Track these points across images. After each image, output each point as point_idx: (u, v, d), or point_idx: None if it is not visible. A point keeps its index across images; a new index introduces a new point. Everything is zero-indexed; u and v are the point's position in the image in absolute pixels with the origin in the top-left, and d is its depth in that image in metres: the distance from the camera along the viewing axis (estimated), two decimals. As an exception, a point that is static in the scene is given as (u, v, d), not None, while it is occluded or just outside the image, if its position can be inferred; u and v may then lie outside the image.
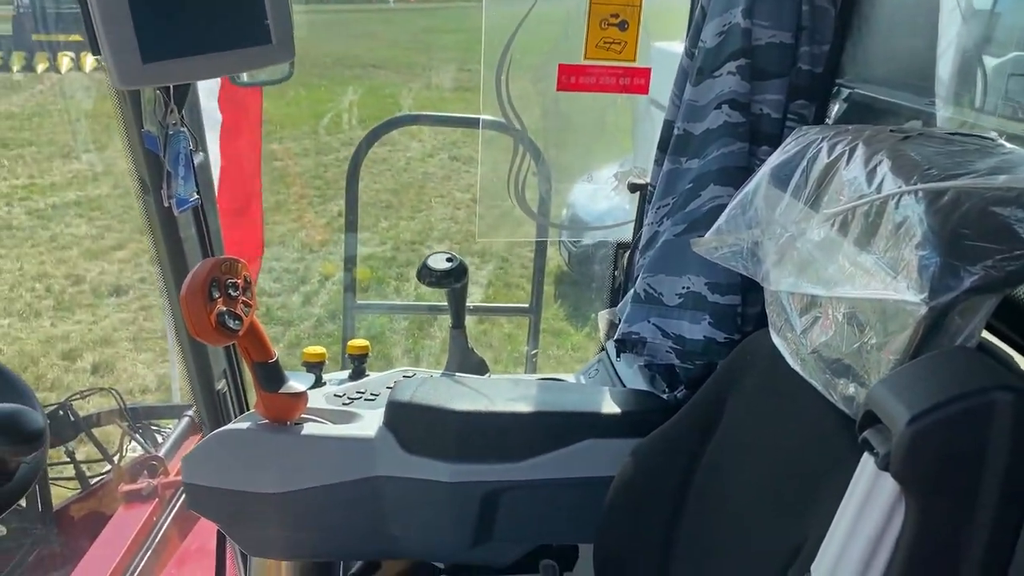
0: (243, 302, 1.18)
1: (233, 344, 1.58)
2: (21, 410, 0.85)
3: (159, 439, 2.88)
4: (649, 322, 1.33)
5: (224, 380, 1.56)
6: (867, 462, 0.63)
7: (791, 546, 0.85)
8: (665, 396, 1.38)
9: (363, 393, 1.42)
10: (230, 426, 1.28)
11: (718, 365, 1.18)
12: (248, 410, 1.39)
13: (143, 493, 2.52)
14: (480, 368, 1.64)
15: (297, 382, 1.27)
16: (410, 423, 1.26)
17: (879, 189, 0.82)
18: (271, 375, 1.24)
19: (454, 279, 1.51)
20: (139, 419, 2.95)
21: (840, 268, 0.86)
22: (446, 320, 1.67)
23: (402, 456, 1.25)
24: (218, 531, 1.42)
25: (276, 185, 6.68)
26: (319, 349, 1.49)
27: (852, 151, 0.90)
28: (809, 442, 0.92)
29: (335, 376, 1.53)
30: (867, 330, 0.80)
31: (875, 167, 0.85)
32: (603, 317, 1.69)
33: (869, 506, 0.62)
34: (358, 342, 1.53)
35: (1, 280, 4.87)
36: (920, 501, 0.59)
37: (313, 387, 1.44)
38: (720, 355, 1.26)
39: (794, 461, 0.94)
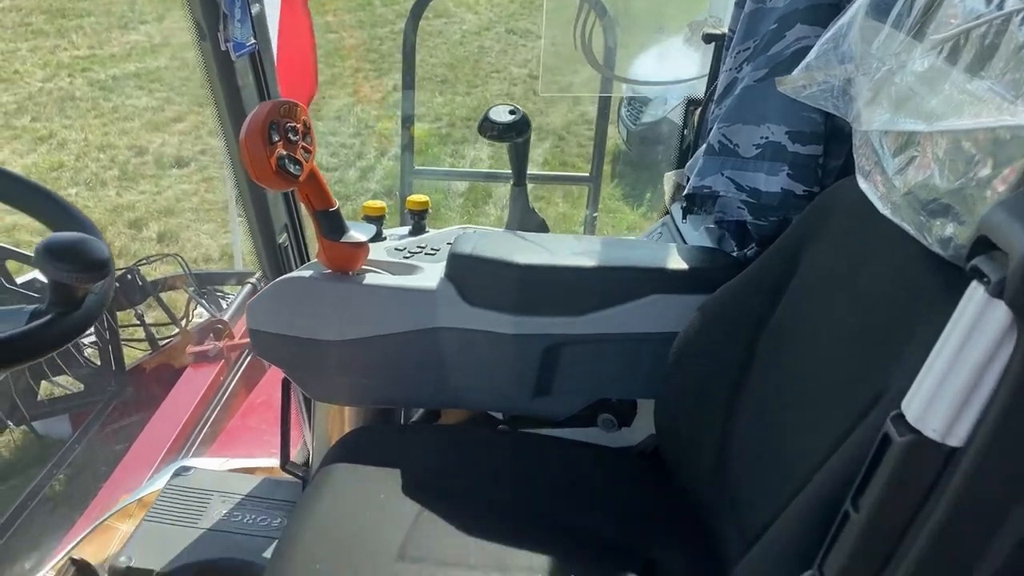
0: (303, 147, 1.15)
1: (294, 197, 1.57)
2: (86, 238, 0.84)
3: (223, 304, 2.95)
4: (723, 175, 1.26)
5: (285, 234, 1.56)
6: (975, 291, 0.58)
7: (870, 394, 0.81)
8: (735, 254, 1.33)
9: (423, 248, 1.40)
10: (293, 274, 1.28)
11: (794, 219, 1.12)
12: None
13: (210, 354, 2.62)
14: (540, 227, 1.60)
15: (358, 232, 1.26)
16: (471, 275, 1.24)
17: (1000, 6, 0.74)
18: (333, 224, 1.22)
19: (516, 133, 1.46)
20: (204, 285, 3.02)
21: (946, 99, 0.78)
22: (502, 194, 1.62)
23: (463, 308, 1.24)
24: (283, 379, 1.45)
25: (331, 58, 6.57)
26: (379, 203, 1.47)
27: (968, -31, 0.81)
28: (895, 290, 0.86)
29: (395, 232, 1.51)
30: (974, 164, 0.73)
31: (995, -16, 0.76)
32: (669, 179, 1.62)
33: (974, 338, 0.57)
34: (418, 197, 1.50)
35: (67, 150, 4.95)
36: (1033, 331, 0.54)
37: (373, 240, 1.42)
38: (797, 209, 1.19)
39: (877, 310, 0.89)
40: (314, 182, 1.19)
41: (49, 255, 0.81)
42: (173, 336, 2.79)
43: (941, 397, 0.58)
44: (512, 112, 1.45)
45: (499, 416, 1.41)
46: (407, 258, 1.37)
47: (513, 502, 1.13)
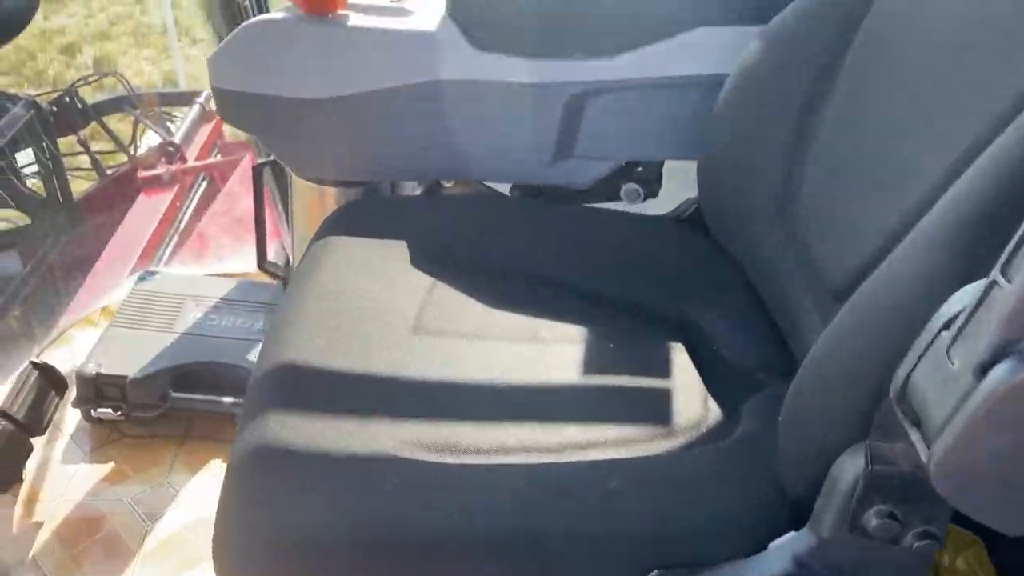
0: None
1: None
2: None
3: (172, 128, 2.69)
4: None
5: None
6: None
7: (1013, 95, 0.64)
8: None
9: None
10: (262, 17, 1.05)
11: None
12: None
13: (163, 179, 2.40)
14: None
15: None
16: (480, 11, 1.03)
17: None
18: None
19: None
20: (149, 107, 2.75)
21: None
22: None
23: (471, 53, 1.03)
24: (254, 167, 1.26)
25: None
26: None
27: None
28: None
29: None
30: None
31: None
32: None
33: None
34: None
35: (-20, -27, 4.43)
36: None
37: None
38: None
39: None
40: None
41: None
42: (123, 164, 2.56)
43: None
44: None
45: (507, 190, 1.23)
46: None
47: (538, 274, 0.98)
